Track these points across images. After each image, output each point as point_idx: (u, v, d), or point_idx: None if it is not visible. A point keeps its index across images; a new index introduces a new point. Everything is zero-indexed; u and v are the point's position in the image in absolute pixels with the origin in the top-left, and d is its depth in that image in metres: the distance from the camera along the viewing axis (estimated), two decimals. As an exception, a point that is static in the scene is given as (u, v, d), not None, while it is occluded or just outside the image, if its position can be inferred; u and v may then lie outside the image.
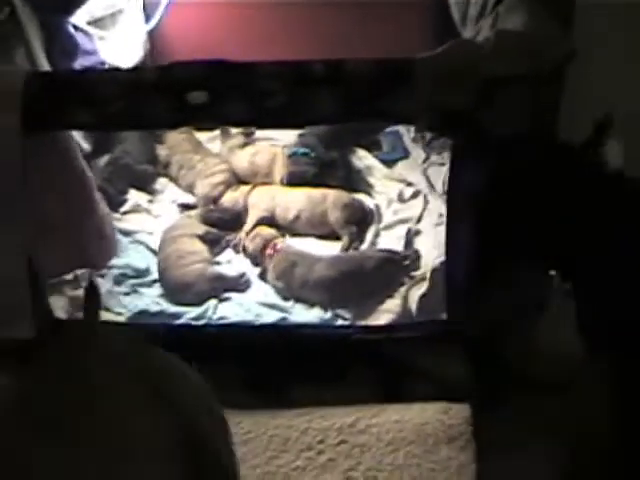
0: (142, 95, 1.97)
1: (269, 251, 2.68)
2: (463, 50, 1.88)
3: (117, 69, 2.82)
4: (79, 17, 2.77)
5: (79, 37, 2.78)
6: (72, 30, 2.75)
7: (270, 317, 2.49)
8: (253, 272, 2.68)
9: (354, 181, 3.00)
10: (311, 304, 2.54)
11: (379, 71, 1.90)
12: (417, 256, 2.59)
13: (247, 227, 2.81)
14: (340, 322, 2.47)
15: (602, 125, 1.74)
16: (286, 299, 2.58)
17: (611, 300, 1.65)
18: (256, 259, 2.71)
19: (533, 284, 2.24)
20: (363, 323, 2.45)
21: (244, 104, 1.94)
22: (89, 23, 2.85)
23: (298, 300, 2.57)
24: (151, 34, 3.17)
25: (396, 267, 2.53)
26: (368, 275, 2.51)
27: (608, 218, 1.61)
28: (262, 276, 2.66)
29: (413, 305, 2.43)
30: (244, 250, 2.76)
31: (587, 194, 1.61)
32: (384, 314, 2.45)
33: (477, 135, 1.78)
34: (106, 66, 2.94)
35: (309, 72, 1.92)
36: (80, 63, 2.78)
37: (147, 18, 3.12)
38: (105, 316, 2.50)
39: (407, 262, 2.55)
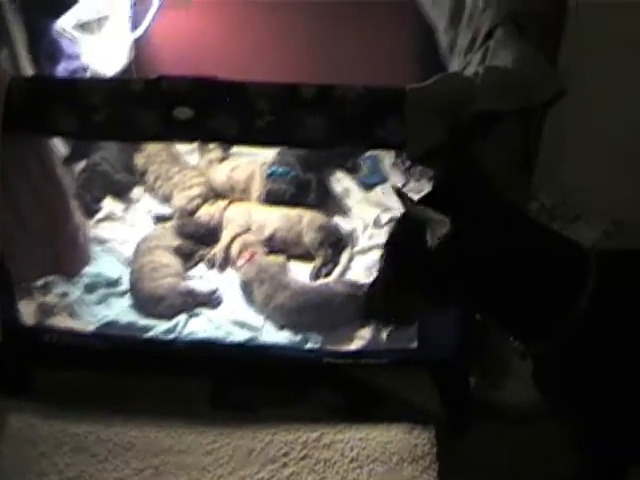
0: (128, 106, 1.95)
1: (246, 255, 2.70)
2: (454, 83, 1.88)
3: (104, 78, 2.80)
4: (65, 20, 2.75)
5: (63, 41, 2.76)
6: (57, 33, 2.72)
7: (240, 336, 2.47)
8: (225, 288, 2.67)
9: (331, 203, 3.00)
10: (281, 326, 2.52)
11: (369, 98, 1.90)
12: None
13: (222, 243, 2.79)
14: (310, 345, 2.45)
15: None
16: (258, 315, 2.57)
17: (563, 364, 1.66)
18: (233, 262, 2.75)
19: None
20: (333, 347, 2.43)
21: (230, 122, 1.93)
22: (74, 27, 2.82)
23: (267, 318, 2.56)
24: (137, 42, 3.14)
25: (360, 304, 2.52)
26: (332, 311, 2.50)
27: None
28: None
29: (384, 332, 2.42)
30: (227, 251, 2.77)
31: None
32: (355, 340, 2.44)
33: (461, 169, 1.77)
34: (89, 71, 2.91)
35: (298, 95, 1.91)
36: (63, 67, 2.76)
37: (134, 26, 3.09)
38: (74, 324, 2.49)
39: None
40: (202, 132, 2.00)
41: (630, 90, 2.70)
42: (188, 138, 2.26)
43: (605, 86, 2.67)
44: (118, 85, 2.08)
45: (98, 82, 2.29)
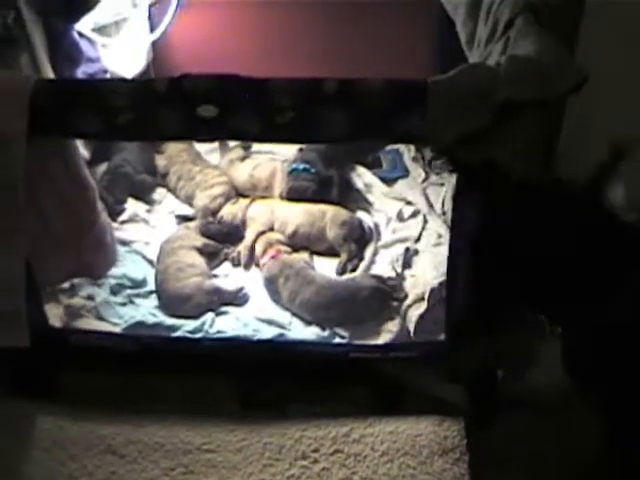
0: (151, 106, 1.95)
1: (270, 252, 2.71)
2: (476, 74, 1.87)
3: (126, 79, 2.81)
4: (84, 24, 2.76)
5: (83, 44, 2.77)
6: (76, 36, 2.74)
7: (268, 332, 2.47)
8: (251, 286, 2.67)
9: (353, 198, 3.00)
10: (308, 322, 2.52)
11: (391, 92, 1.89)
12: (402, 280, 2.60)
13: (246, 241, 2.80)
14: (338, 340, 2.45)
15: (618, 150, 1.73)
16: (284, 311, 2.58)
17: (596, 344, 1.65)
18: (257, 260, 2.76)
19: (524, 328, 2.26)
20: (361, 342, 2.43)
21: (254, 119, 1.93)
22: (93, 30, 2.83)
23: (294, 315, 2.56)
24: (155, 44, 3.15)
25: (387, 297, 2.52)
26: (358, 305, 2.50)
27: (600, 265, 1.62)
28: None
29: (411, 325, 2.42)
30: (251, 250, 2.78)
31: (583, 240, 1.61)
32: (383, 333, 2.44)
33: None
34: (108, 74, 2.93)
35: (320, 90, 1.90)
36: (83, 70, 2.77)
37: (152, 28, 3.10)
38: (100, 326, 2.49)
39: (398, 294, 2.53)
40: (225, 130, 1.99)
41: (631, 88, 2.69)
42: (212, 136, 2.26)
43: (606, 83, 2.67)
44: (142, 85, 2.08)
45: (122, 83, 2.29)
